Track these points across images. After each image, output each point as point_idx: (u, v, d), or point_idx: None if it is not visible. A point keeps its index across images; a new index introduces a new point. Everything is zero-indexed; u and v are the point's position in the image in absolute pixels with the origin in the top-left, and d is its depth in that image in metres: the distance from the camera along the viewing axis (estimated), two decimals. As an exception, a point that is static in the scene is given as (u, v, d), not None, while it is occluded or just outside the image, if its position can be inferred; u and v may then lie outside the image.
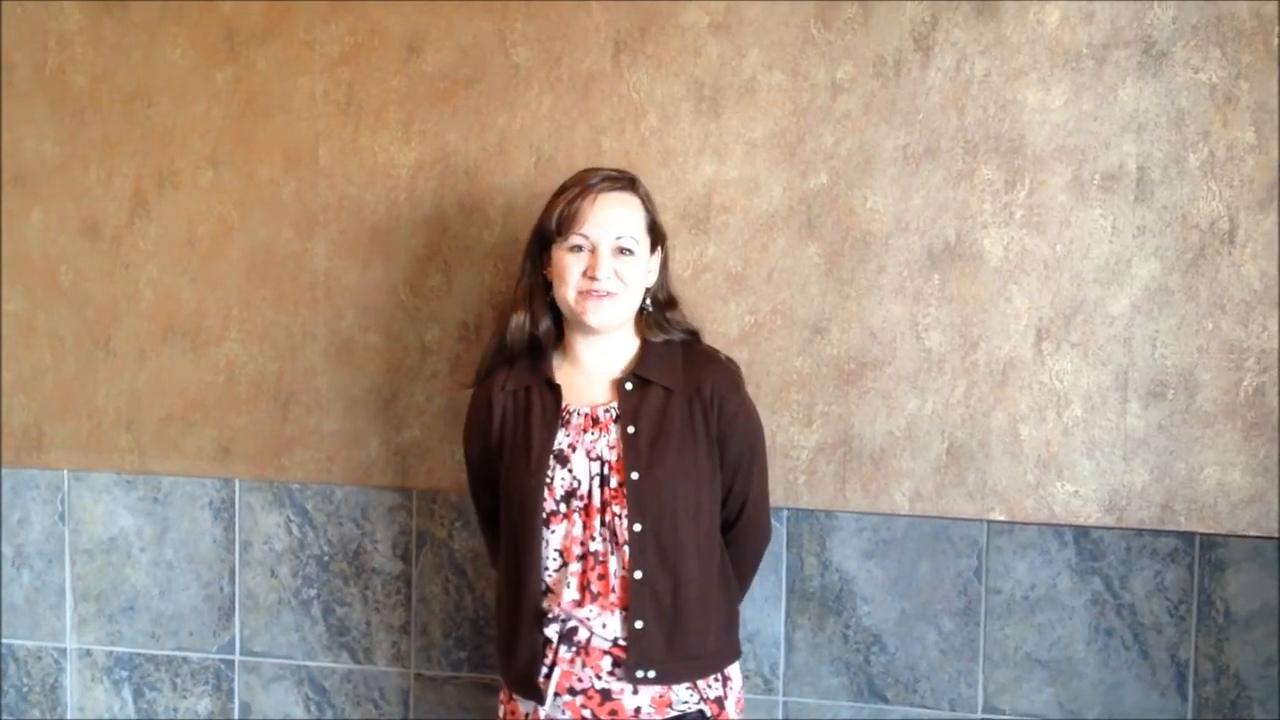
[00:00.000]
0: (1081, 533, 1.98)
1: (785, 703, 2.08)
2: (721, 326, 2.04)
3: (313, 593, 2.23)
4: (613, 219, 1.69)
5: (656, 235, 1.77)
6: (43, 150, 2.27)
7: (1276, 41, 1.89)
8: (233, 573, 2.25)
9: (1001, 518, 2.00)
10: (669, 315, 1.80)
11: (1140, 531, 1.96)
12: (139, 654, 2.30)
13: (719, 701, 1.71)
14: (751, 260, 2.05)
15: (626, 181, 1.75)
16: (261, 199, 2.20)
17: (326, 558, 2.22)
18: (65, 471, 2.30)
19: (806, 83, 2.02)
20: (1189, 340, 1.93)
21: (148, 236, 2.24)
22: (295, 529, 2.23)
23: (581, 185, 1.71)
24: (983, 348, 1.99)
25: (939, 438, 2.01)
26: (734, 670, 1.77)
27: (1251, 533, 1.93)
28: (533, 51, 2.09)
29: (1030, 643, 2.00)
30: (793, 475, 2.04)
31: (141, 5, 2.21)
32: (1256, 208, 1.91)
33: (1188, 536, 1.95)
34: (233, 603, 2.26)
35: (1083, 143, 1.94)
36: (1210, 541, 1.95)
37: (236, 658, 2.26)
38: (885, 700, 2.05)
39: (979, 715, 2.03)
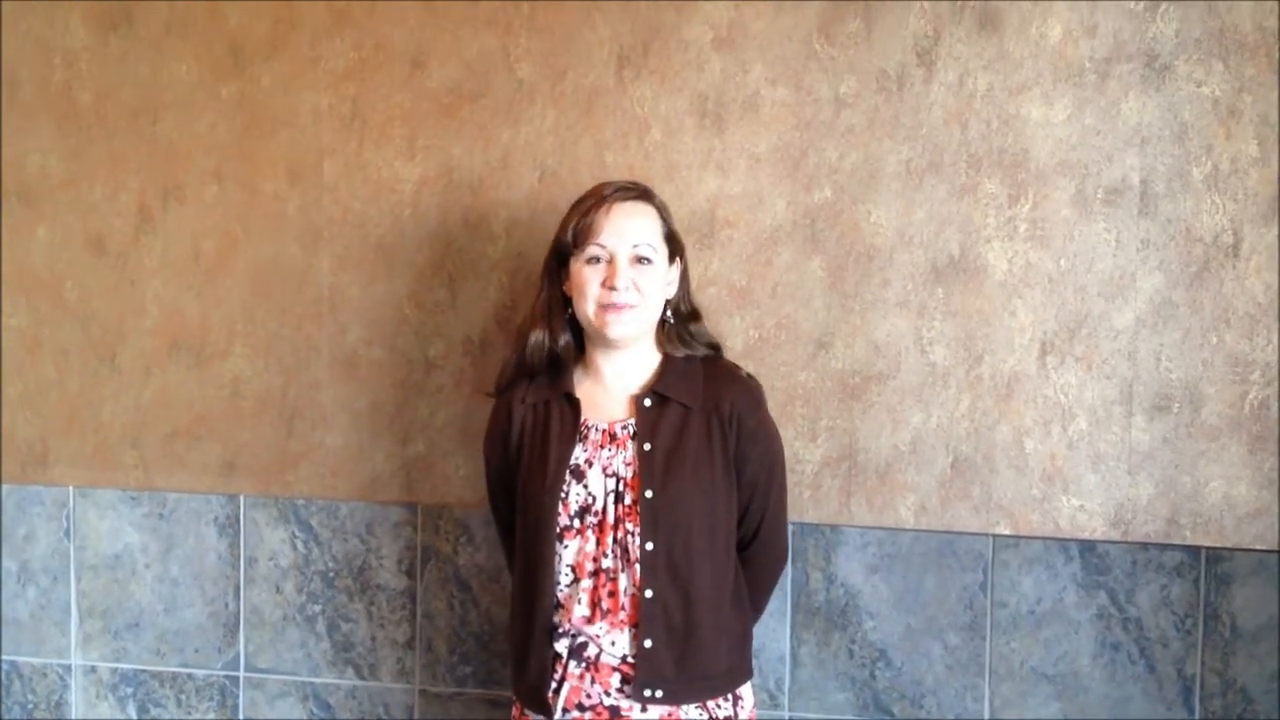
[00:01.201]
0: (1087, 546, 1.98)
1: (791, 718, 2.08)
2: (726, 341, 2.03)
3: (317, 609, 2.23)
4: (629, 228, 1.68)
5: (675, 245, 1.76)
6: (48, 166, 2.27)
7: (1279, 54, 1.89)
8: (237, 589, 2.25)
9: (1007, 532, 2.00)
10: (691, 328, 1.79)
11: (1146, 545, 1.96)
12: (144, 671, 2.30)
13: None
14: (755, 274, 2.05)
15: (641, 191, 1.74)
16: (266, 214, 2.20)
17: (331, 573, 2.22)
18: (70, 488, 2.30)
19: (810, 97, 2.02)
20: (1193, 354, 1.93)
21: (153, 252, 2.24)
22: (300, 545, 2.23)
23: (596, 197, 1.71)
24: (987, 361, 1.99)
25: (944, 452, 2.01)
26: (745, 690, 1.75)
27: (1257, 546, 1.93)
28: (536, 66, 2.10)
29: (1036, 657, 2.00)
30: (797, 489, 2.04)
31: (147, 21, 2.22)
32: (1260, 221, 1.91)
33: (1193, 550, 1.95)
34: (237, 619, 2.26)
35: (1086, 157, 1.95)
36: (1216, 555, 1.94)
37: (241, 674, 2.26)
38: (891, 715, 2.04)
39: (985, 730, 2.03)
